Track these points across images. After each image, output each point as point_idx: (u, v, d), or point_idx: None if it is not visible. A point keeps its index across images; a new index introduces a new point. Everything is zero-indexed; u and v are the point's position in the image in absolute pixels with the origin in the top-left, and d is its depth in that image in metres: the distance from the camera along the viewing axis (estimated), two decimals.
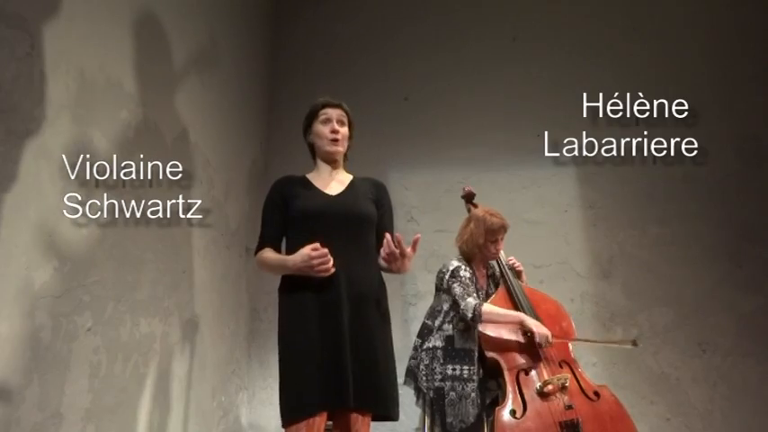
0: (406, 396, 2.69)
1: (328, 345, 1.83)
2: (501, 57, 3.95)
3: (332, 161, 2.10)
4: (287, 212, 2.00)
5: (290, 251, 1.95)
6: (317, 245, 1.81)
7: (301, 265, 1.83)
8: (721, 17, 3.80)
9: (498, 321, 2.46)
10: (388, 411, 1.89)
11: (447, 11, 4.07)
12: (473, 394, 2.41)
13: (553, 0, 3.99)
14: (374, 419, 1.92)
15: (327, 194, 2.03)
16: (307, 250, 1.82)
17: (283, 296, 1.97)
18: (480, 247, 2.62)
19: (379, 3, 4.15)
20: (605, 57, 3.84)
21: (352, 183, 2.09)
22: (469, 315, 2.44)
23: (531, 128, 3.81)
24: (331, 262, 1.81)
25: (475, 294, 2.54)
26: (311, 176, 2.09)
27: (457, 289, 2.53)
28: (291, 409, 1.82)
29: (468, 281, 2.56)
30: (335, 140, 2.06)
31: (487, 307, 2.47)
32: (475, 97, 3.89)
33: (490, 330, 2.48)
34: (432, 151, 3.86)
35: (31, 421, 1.79)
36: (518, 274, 2.78)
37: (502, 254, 2.75)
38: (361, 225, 2.00)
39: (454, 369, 2.47)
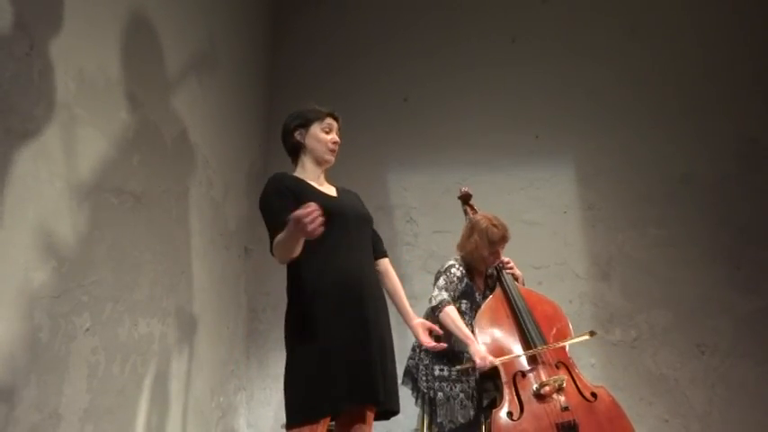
0: (404, 397, 2.69)
1: (360, 340, 1.82)
2: (500, 58, 3.95)
3: (322, 168, 2.10)
4: (297, 206, 1.86)
5: (309, 250, 1.81)
6: (311, 205, 1.61)
7: (293, 228, 1.65)
8: (720, 19, 3.81)
9: (450, 328, 2.45)
10: (398, 407, 1.94)
11: (446, 12, 4.07)
12: (462, 395, 2.43)
13: (552, 2, 4.00)
14: (376, 419, 1.94)
15: (331, 195, 2.05)
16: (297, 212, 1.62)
17: (305, 292, 1.87)
18: (484, 258, 2.66)
19: (378, 5, 4.15)
20: (604, 58, 3.85)
21: (339, 190, 2.14)
22: (434, 303, 2.51)
23: (530, 129, 3.84)
24: (319, 221, 1.60)
25: (453, 295, 2.56)
26: (306, 178, 2.04)
27: (441, 281, 2.60)
28: (316, 406, 1.75)
29: (455, 279, 2.60)
30: (334, 150, 2.08)
31: (452, 310, 2.49)
32: (474, 98, 3.90)
33: (486, 337, 2.49)
34: (431, 152, 3.87)
35: (29, 422, 1.79)
36: (516, 276, 2.79)
37: None
38: (367, 225, 2.08)
39: (441, 369, 2.51)
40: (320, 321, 1.82)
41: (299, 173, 2.08)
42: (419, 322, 2.07)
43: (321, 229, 1.63)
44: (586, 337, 2.51)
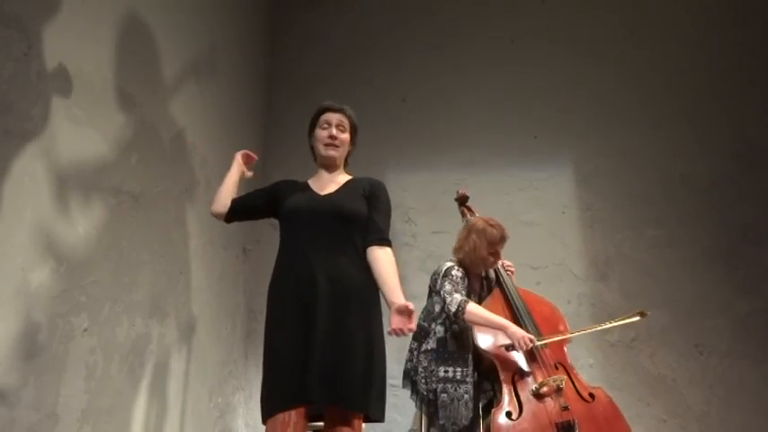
0: (404, 397, 2.69)
1: (302, 341, 1.84)
2: (499, 58, 3.96)
3: (328, 165, 2.13)
4: (272, 207, 2.10)
5: (282, 250, 2.03)
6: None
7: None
8: (719, 20, 3.82)
9: (480, 323, 2.44)
10: (362, 409, 1.85)
11: (445, 13, 4.07)
12: (466, 396, 2.39)
13: (551, 2, 4.00)
14: (365, 421, 1.91)
15: (317, 194, 2.07)
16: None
17: (268, 294, 2.01)
18: (483, 259, 2.61)
19: (376, 5, 4.15)
20: (603, 59, 3.86)
21: (347, 183, 2.12)
22: (453, 309, 2.43)
23: (528, 129, 3.84)
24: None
25: (464, 293, 2.53)
26: (311, 181, 2.15)
27: (447, 286, 2.53)
28: (265, 405, 1.86)
29: (459, 280, 2.56)
30: (331, 144, 2.08)
31: (473, 306, 2.46)
32: (473, 99, 3.90)
33: (487, 336, 2.48)
34: (429, 152, 3.87)
35: (26, 422, 1.79)
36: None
37: None
38: (344, 222, 1.98)
39: (446, 371, 2.46)
40: (271, 321, 1.95)
41: (313, 176, 2.16)
42: (395, 307, 1.83)
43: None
44: (637, 318, 2.52)
